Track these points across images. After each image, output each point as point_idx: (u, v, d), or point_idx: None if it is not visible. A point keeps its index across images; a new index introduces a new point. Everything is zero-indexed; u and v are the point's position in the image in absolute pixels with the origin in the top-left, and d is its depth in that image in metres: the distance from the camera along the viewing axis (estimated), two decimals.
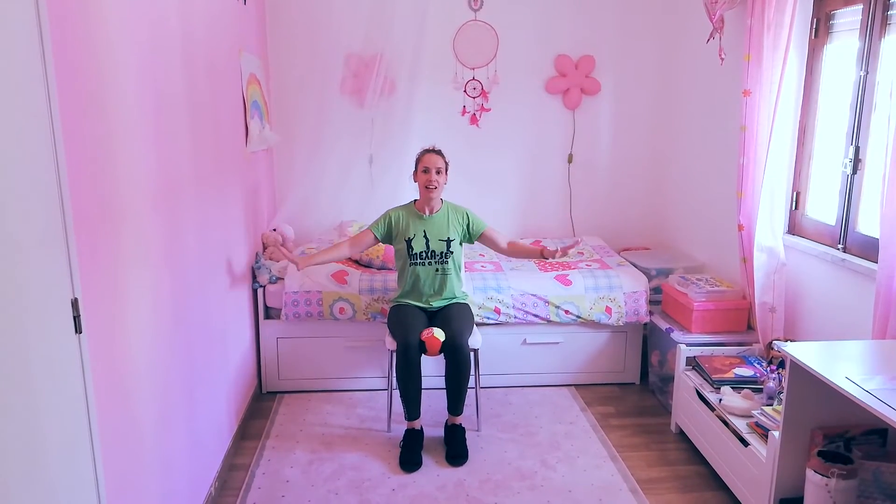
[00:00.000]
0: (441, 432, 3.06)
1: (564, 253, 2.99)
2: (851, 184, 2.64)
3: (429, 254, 3.05)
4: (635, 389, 3.62)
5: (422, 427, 2.99)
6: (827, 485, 1.97)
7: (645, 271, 3.65)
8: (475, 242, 3.18)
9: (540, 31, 4.13)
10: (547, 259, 3.08)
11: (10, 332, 1.21)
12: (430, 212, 3.06)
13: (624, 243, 4.38)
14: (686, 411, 2.97)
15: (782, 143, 2.87)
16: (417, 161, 3.04)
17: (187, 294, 2.29)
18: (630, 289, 3.49)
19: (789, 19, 2.73)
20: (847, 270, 2.60)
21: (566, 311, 3.46)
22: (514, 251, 3.19)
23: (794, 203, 3.03)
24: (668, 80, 4.19)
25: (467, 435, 3.01)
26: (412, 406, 2.93)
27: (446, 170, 3.03)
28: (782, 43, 2.77)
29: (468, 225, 3.12)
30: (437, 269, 3.07)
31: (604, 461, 2.88)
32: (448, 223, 3.08)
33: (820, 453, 2.06)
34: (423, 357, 2.91)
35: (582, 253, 3.90)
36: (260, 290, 3.40)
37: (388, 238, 3.12)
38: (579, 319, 3.48)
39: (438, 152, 3.02)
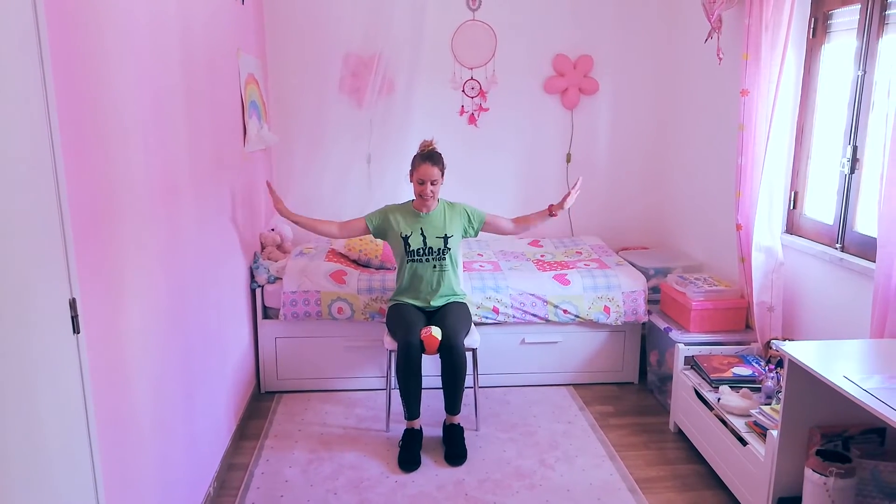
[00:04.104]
0: (440, 432, 3.05)
1: (570, 195, 3.10)
2: (849, 183, 2.64)
3: (426, 251, 3.05)
4: (634, 389, 3.62)
5: (421, 427, 2.99)
6: (825, 484, 1.98)
7: (643, 271, 3.65)
8: (480, 233, 3.18)
9: (538, 31, 4.13)
10: (554, 214, 3.11)
11: (9, 333, 1.21)
12: (427, 210, 3.07)
13: (622, 243, 4.38)
14: (684, 410, 2.97)
15: (780, 142, 2.87)
16: (413, 167, 3.02)
17: (185, 294, 2.29)
18: (628, 288, 3.49)
19: (787, 19, 2.73)
20: (845, 270, 2.60)
21: (565, 311, 3.46)
22: (522, 225, 3.20)
23: (792, 202, 3.04)
24: (667, 80, 4.19)
25: (466, 434, 3.01)
26: (412, 405, 2.92)
27: (442, 175, 3.02)
28: (780, 42, 2.77)
29: (469, 219, 3.12)
30: (434, 266, 3.07)
31: (602, 460, 2.88)
32: (445, 220, 3.08)
33: (818, 452, 2.06)
34: (423, 356, 2.91)
35: (580, 252, 3.90)
36: (258, 290, 3.40)
37: (379, 232, 3.12)
38: (578, 319, 3.48)
39: (435, 161, 2.98)
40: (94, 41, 1.63)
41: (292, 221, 3.14)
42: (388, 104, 4.00)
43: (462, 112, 4.21)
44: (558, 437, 3.07)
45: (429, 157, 2.99)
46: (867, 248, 2.51)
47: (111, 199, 1.70)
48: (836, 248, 2.69)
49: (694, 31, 3.72)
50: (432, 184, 2.98)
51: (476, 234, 3.17)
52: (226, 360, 2.86)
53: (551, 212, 3.12)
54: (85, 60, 1.57)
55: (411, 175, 3.04)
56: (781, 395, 2.14)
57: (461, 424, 3.01)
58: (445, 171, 3.05)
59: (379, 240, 3.32)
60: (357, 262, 3.58)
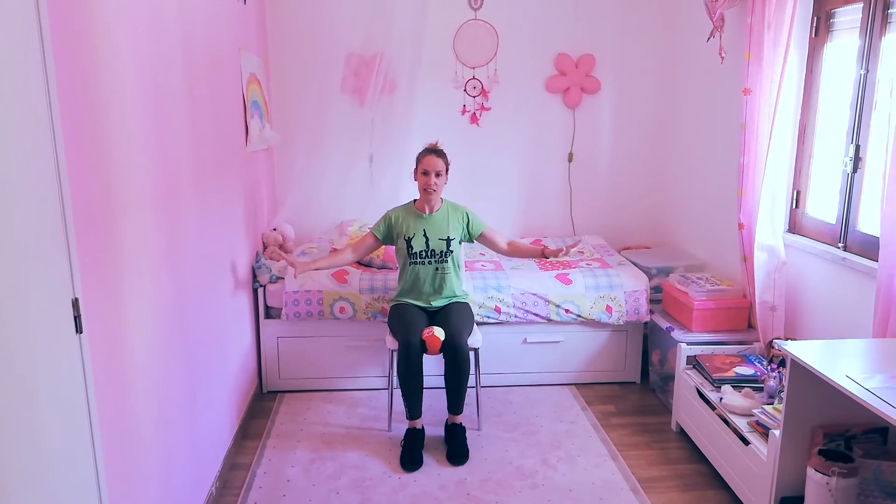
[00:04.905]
0: (442, 431, 3.06)
1: (566, 252, 3.02)
2: (852, 182, 2.64)
3: (428, 253, 3.05)
4: (636, 388, 3.62)
5: (423, 426, 2.99)
6: (828, 483, 1.98)
7: (645, 270, 3.65)
8: (474, 242, 3.20)
9: (540, 30, 4.13)
10: (548, 258, 3.11)
11: (12, 332, 1.22)
12: (430, 211, 3.07)
13: (624, 242, 4.38)
14: (687, 410, 2.97)
15: (783, 141, 2.87)
16: (418, 161, 3.04)
17: (187, 294, 2.29)
18: (630, 288, 3.49)
19: (789, 18, 2.73)
20: (847, 269, 2.60)
21: (567, 311, 3.46)
22: (514, 251, 3.22)
23: (794, 202, 3.03)
24: (669, 79, 4.18)
25: (468, 434, 3.01)
26: (413, 405, 2.93)
27: (447, 170, 3.03)
28: (782, 41, 2.77)
29: (468, 224, 3.13)
30: (436, 269, 3.07)
31: (604, 460, 2.88)
32: (448, 222, 3.08)
33: (821, 452, 2.06)
34: (424, 356, 2.91)
35: (582, 252, 3.90)
36: (260, 290, 3.40)
37: (388, 239, 3.13)
38: (580, 318, 3.48)
39: (440, 154, 3.01)
40: (96, 42, 1.63)
41: (315, 270, 3.15)
42: (390, 104, 4.00)
43: (464, 111, 4.21)
44: (560, 437, 3.07)
45: (433, 150, 3.02)
46: (870, 248, 2.51)
47: (113, 198, 1.71)
48: (839, 248, 2.69)
49: (696, 30, 3.71)
50: (437, 175, 2.98)
51: (471, 241, 3.18)
52: (228, 360, 2.86)
53: (545, 253, 3.13)
54: (87, 60, 1.58)
55: (416, 171, 3.05)
56: (784, 395, 2.14)
57: (463, 424, 3.01)
58: (449, 170, 3.05)
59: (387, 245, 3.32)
60: (359, 262, 3.58)
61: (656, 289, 3.61)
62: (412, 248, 3.04)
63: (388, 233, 3.11)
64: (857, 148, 2.60)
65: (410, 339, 2.86)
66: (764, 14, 2.82)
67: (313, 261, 3.16)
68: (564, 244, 4.11)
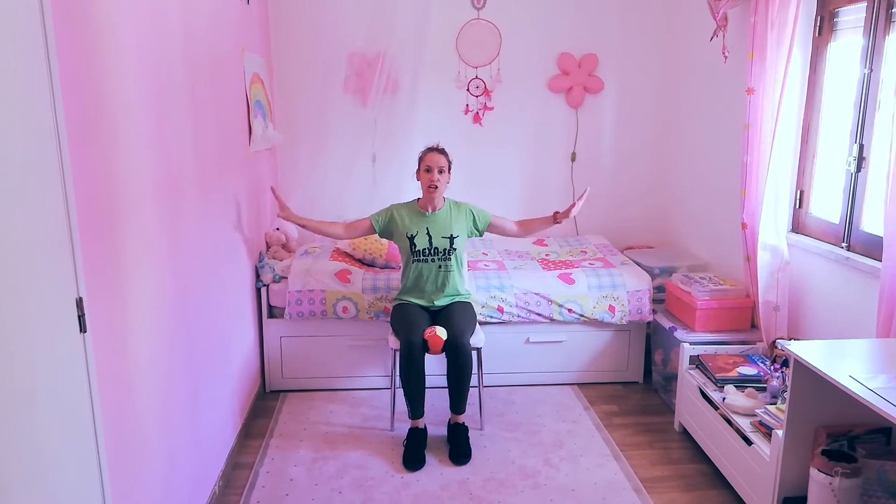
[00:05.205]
0: (444, 431, 3.06)
1: (575, 205, 3.10)
2: (855, 182, 2.63)
3: (431, 251, 3.05)
4: (638, 388, 3.62)
5: (425, 426, 2.99)
6: (831, 483, 1.97)
7: (648, 270, 3.65)
8: (483, 235, 3.20)
9: (543, 29, 4.13)
10: (558, 221, 3.12)
11: (16, 332, 1.22)
12: (433, 209, 3.07)
13: (627, 242, 4.37)
14: (689, 410, 2.97)
15: (786, 141, 2.86)
16: (420, 159, 3.05)
17: (190, 293, 2.30)
18: (633, 287, 3.48)
19: (793, 17, 2.72)
20: (851, 269, 2.59)
21: (569, 310, 3.45)
22: (527, 229, 3.22)
23: (797, 201, 3.03)
24: (672, 79, 4.18)
25: (470, 434, 3.01)
26: (416, 405, 2.93)
27: (449, 168, 3.03)
28: (786, 41, 2.76)
29: (474, 220, 3.13)
30: (439, 266, 3.07)
31: (607, 460, 2.88)
32: (451, 220, 3.08)
33: (824, 452, 2.05)
34: (427, 356, 2.91)
35: (585, 252, 3.90)
36: (263, 289, 3.40)
37: (385, 232, 3.13)
38: (582, 318, 3.47)
39: (441, 151, 3.02)
40: (100, 42, 1.63)
41: (299, 225, 3.16)
42: (393, 103, 4.01)
43: (467, 111, 4.21)
44: (563, 437, 3.07)
45: (435, 147, 3.04)
46: (873, 247, 2.50)
47: (117, 198, 1.71)
48: (842, 247, 2.69)
49: (699, 30, 3.71)
50: (439, 172, 2.98)
51: (481, 235, 3.19)
52: (231, 360, 2.87)
53: (556, 219, 3.13)
54: (91, 61, 1.58)
55: (418, 170, 3.05)
56: (787, 395, 2.13)
57: (466, 424, 3.01)
58: (452, 169, 3.06)
59: (384, 239, 3.33)
60: (362, 262, 3.59)
61: (659, 288, 3.60)
62: (415, 246, 3.04)
63: (386, 226, 3.11)
64: (861, 147, 2.59)
65: (413, 338, 2.86)
66: (767, 13, 2.82)
67: (303, 218, 3.16)
68: (567, 243, 4.14)
